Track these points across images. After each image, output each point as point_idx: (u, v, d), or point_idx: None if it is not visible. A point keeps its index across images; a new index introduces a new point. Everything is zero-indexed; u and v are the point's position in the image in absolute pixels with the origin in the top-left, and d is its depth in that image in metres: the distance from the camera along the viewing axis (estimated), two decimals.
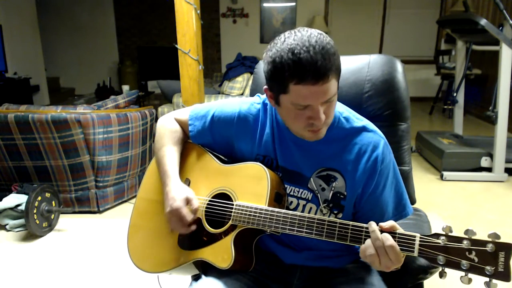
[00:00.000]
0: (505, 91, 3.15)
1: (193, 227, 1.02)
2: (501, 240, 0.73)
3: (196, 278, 1.08)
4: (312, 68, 0.81)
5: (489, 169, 3.34)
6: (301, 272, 1.08)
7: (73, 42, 7.37)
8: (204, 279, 1.03)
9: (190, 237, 1.05)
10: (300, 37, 0.84)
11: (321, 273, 1.07)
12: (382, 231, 0.83)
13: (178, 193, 1.02)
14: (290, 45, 0.84)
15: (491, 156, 3.32)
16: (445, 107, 6.00)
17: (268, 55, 0.88)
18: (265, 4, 7.00)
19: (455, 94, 3.95)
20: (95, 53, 7.48)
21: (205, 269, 1.07)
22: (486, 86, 5.39)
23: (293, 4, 6.95)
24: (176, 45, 1.99)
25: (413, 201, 1.37)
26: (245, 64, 4.18)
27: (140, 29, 7.42)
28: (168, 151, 1.10)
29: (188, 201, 1.01)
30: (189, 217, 1.00)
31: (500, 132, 3.18)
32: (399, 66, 1.31)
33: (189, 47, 1.98)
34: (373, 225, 0.84)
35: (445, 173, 3.36)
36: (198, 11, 1.97)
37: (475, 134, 4.48)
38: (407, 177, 1.34)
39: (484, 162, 3.36)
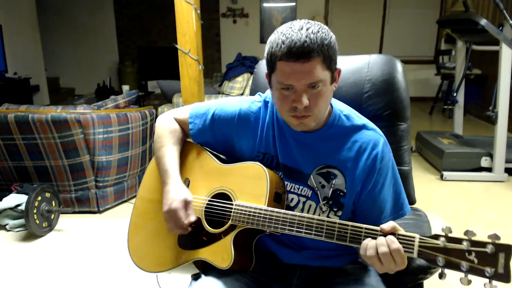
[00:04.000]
0: (505, 91, 3.15)
1: (189, 229, 1.02)
2: (501, 241, 0.73)
3: (195, 277, 1.08)
4: (296, 45, 0.84)
5: (489, 169, 3.34)
6: (300, 272, 1.08)
7: (73, 42, 7.37)
8: (203, 278, 1.03)
9: (190, 237, 1.05)
10: (297, 23, 0.89)
11: (320, 273, 1.07)
12: (384, 234, 0.83)
13: (177, 194, 1.02)
14: (285, 28, 0.89)
15: (491, 156, 3.32)
16: (445, 107, 6.00)
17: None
18: (265, 4, 7.00)
19: (455, 94, 3.95)
20: (95, 53, 7.48)
21: (205, 268, 1.07)
22: (486, 86, 5.39)
23: (293, 4, 6.95)
24: (176, 45, 1.99)
25: (413, 201, 1.37)
26: (245, 64, 4.18)
27: (140, 29, 7.42)
28: (168, 151, 1.10)
29: (186, 204, 1.02)
30: (186, 219, 1.00)
31: (500, 132, 3.18)
32: (399, 66, 1.31)
33: (189, 47, 1.98)
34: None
35: (445, 173, 3.36)
36: (198, 11, 1.97)
37: (475, 134, 4.48)
38: (407, 177, 1.33)
39: (484, 162, 3.36)
